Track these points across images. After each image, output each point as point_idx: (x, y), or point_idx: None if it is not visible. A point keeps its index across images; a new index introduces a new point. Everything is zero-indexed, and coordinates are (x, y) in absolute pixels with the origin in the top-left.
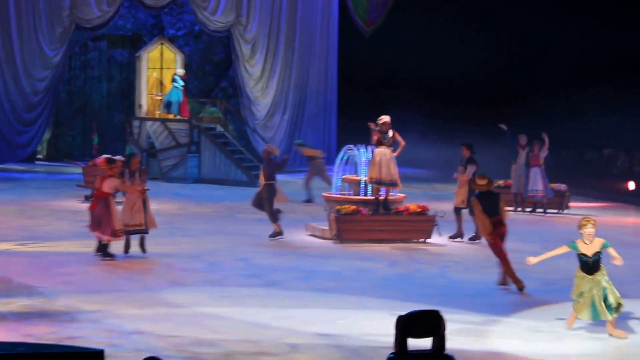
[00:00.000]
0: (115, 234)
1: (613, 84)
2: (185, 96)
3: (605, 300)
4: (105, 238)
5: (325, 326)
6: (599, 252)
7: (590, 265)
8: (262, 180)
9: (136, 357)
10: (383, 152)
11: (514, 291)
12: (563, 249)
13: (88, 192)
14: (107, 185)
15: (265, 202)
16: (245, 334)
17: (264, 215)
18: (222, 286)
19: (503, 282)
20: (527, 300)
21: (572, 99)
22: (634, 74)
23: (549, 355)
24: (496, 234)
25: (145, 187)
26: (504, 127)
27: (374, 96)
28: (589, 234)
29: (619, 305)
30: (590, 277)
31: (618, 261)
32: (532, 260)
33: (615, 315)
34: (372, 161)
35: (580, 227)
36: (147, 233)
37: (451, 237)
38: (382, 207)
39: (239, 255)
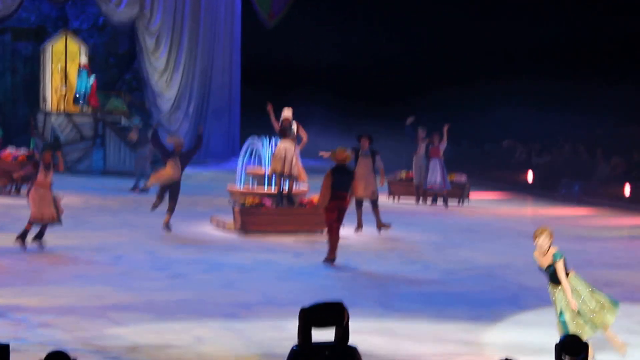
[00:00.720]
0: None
1: (511, 75)
2: (94, 86)
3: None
4: None
5: (229, 318)
6: (551, 266)
7: (550, 277)
8: (176, 172)
9: (42, 351)
10: (287, 146)
11: (413, 283)
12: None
13: None
14: None
15: (176, 194)
16: (150, 327)
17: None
18: (127, 279)
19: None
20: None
21: (470, 91)
22: (532, 65)
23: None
24: (335, 206)
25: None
26: (410, 120)
27: (278, 89)
28: (540, 246)
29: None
30: (555, 287)
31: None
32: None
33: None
34: (275, 154)
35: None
36: (61, 225)
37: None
38: (286, 199)
39: (145, 248)
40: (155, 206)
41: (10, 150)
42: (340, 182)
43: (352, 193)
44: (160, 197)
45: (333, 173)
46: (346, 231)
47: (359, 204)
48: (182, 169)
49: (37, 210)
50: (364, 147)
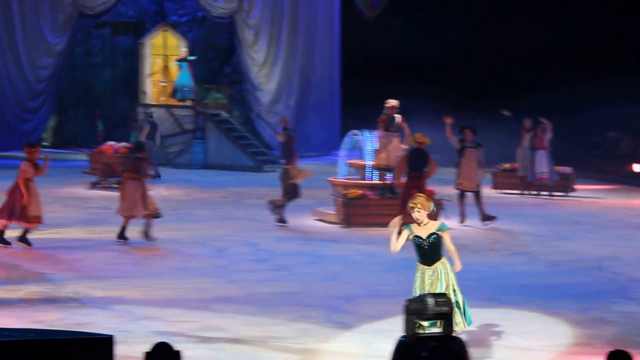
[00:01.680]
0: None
1: (620, 72)
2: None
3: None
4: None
5: (333, 310)
6: (434, 233)
7: (426, 251)
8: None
9: (145, 343)
10: (390, 140)
11: (518, 276)
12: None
13: (94, 178)
14: (21, 176)
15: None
16: (253, 319)
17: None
18: (229, 271)
19: None
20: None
21: (577, 87)
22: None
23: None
24: (411, 186)
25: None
26: (506, 113)
27: (377, 82)
28: (417, 219)
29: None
30: (429, 268)
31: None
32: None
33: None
34: (379, 148)
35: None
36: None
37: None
38: (389, 191)
39: (247, 240)
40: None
41: (110, 144)
42: (415, 164)
43: (429, 174)
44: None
45: (409, 155)
46: (450, 223)
47: (462, 195)
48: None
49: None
50: (468, 139)
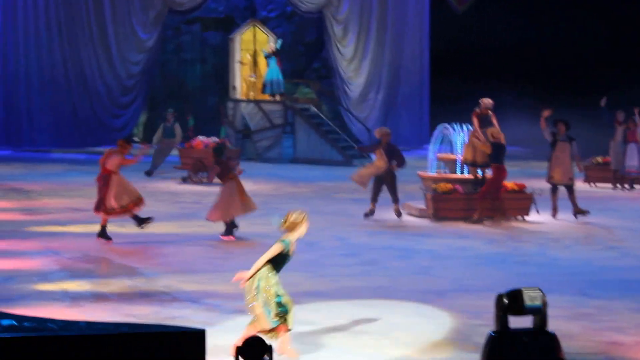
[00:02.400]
0: (107, 211)
1: None
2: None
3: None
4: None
5: (424, 304)
6: None
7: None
8: (383, 163)
9: (236, 336)
10: (480, 134)
11: (611, 270)
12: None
13: (185, 173)
14: (111, 163)
15: (393, 184)
16: (343, 312)
17: (358, 195)
18: (319, 266)
19: None
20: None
21: None
22: None
23: None
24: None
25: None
26: (603, 102)
27: (467, 76)
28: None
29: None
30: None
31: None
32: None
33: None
34: (467, 143)
35: (302, 222)
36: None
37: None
38: (479, 185)
39: (336, 235)
40: (371, 211)
41: (201, 139)
42: (495, 156)
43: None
44: (375, 195)
45: (491, 148)
46: (543, 217)
47: (555, 189)
48: (389, 161)
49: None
50: (561, 132)
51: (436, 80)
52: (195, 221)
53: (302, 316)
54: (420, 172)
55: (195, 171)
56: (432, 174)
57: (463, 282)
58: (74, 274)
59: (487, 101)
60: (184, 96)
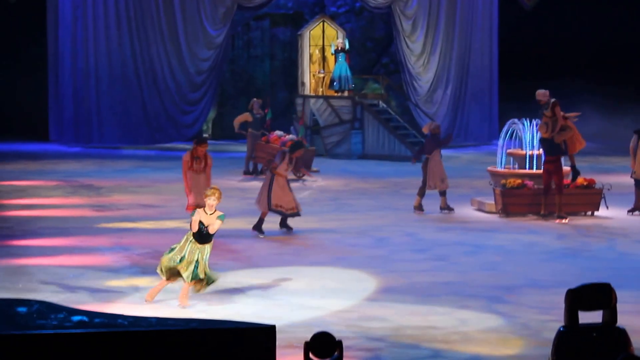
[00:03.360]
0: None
1: None
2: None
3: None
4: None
5: (493, 300)
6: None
7: (203, 234)
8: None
9: (306, 332)
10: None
11: None
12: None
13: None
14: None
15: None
16: (413, 308)
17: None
18: (389, 261)
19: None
20: None
21: None
22: None
23: None
24: (546, 170)
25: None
26: None
27: (537, 71)
28: (211, 205)
29: (209, 279)
30: (199, 245)
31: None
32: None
33: (199, 288)
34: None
35: (205, 196)
36: (299, 215)
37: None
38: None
39: (406, 230)
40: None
41: (278, 134)
42: (546, 151)
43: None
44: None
45: (540, 143)
46: (613, 212)
47: (638, 184)
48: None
49: (275, 199)
50: None
51: (505, 76)
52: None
53: (372, 312)
54: (490, 168)
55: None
56: (501, 169)
57: (532, 277)
58: (144, 270)
59: (539, 94)
60: (253, 92)
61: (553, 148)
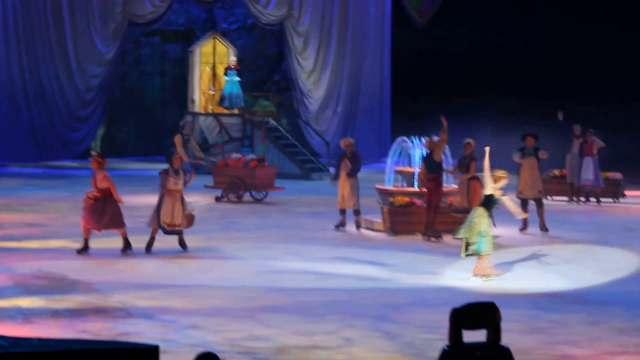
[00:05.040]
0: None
1: None
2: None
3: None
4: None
5: (379, 319)
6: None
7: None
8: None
9: (190, 352)
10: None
11: (570, 283)
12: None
13: (218, 192)
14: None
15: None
16: (298, 328)
17: (317, 208)
18: (275, 280)
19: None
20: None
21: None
22: None
23: None
24: (428, 187)
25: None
26: (560, 116)
27: (429, 88)
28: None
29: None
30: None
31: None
32: None
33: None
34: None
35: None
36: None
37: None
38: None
39: (293, 249)
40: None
41: (237, 157)
42: (429, 167)
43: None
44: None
45: (424, 159)
46: (500, 230)
47: (525, 203)
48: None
49: (164, 216)
50: (529, 147)
51: (398, 93)
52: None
53: (257, 332)
54: (378, 185)
55: (232, 190)
56: (390, 187)
57: (418, 296)
58: (27, 290)
59: (470, 141)
60: (143, 109)
61: (433, 166)
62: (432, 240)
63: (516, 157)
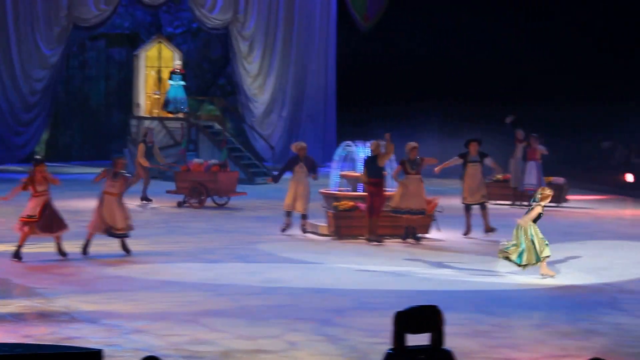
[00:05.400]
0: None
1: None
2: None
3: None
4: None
5: (323, 323)
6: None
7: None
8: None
9: (134, 357)
10: (412, 181)
11: (513, 287)
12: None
13: (180, 198)
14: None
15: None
16: (243, 332)
17: (262, 212)
18: (219, 284)
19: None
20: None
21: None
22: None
23: None
24: (369, 191)
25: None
26: (509, 119)
27: (374, 92)
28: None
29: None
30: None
31: None
32: None
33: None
34: (399, 190)
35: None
36: (128, 237)
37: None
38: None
39: (237, 253)
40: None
41: (198, 162)
42: (371, 170)
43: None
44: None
45: (366, 163)
46: (445, 234)
47: (468, 208)
48: (309, 173)
49: (107, 219)
50: (473, 153)
51: (343, 98)
52: (96, 240)
53: (201, 336)
54: (322, 190)
55: (194, 195)
56: (334, 191)
57: (362, 300)
58: None
59: (412, 144)
60: (87, 113)
61: (375, 170)
62: (373, 244)
63: (451, 161)
